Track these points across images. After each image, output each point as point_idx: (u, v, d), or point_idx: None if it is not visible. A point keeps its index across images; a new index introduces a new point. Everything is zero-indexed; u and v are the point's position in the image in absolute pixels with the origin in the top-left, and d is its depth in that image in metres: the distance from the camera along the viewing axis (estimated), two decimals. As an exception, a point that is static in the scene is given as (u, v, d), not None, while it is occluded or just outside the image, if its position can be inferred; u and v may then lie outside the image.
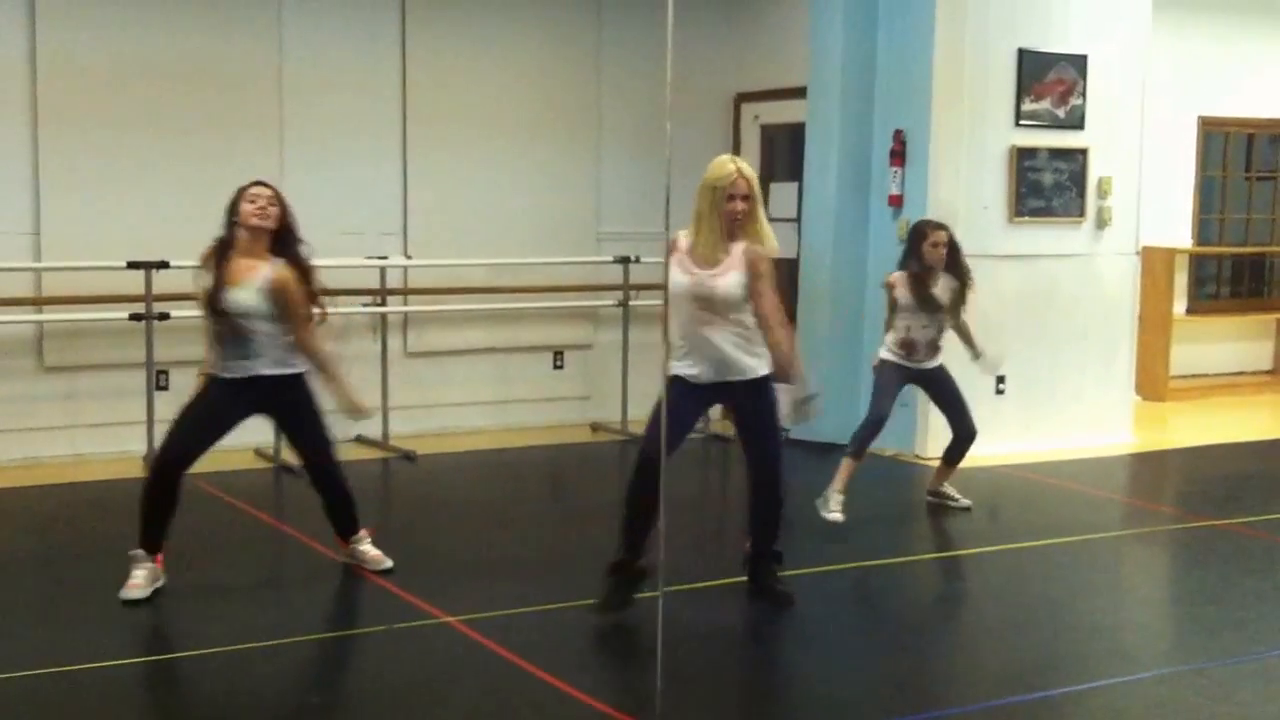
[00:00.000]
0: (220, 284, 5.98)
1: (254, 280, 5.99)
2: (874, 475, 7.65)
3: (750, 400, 5.87)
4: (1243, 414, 11.22)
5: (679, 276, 5.70)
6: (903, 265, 7.55)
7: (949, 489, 7.85)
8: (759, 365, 5.80)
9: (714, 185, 5.68)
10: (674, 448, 5.69)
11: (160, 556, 6.08)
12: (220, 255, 6.04)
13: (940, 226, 7.59)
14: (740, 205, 5.67)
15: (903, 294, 7.46)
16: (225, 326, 6.01)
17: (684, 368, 5.82)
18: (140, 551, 6.03)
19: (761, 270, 5.70)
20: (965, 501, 7.79)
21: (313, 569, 6.40)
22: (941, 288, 7.50)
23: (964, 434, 7.69)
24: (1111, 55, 9.50)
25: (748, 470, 6.00)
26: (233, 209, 6.05)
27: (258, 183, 6.11)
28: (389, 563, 6.41)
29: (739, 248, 5.70)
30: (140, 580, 5.98)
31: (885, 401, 7.55)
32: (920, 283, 7.44)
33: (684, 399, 5.78)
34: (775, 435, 5.99)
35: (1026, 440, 9.33)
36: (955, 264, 7.53)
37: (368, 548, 6.45)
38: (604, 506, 8.23)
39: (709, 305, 5.71)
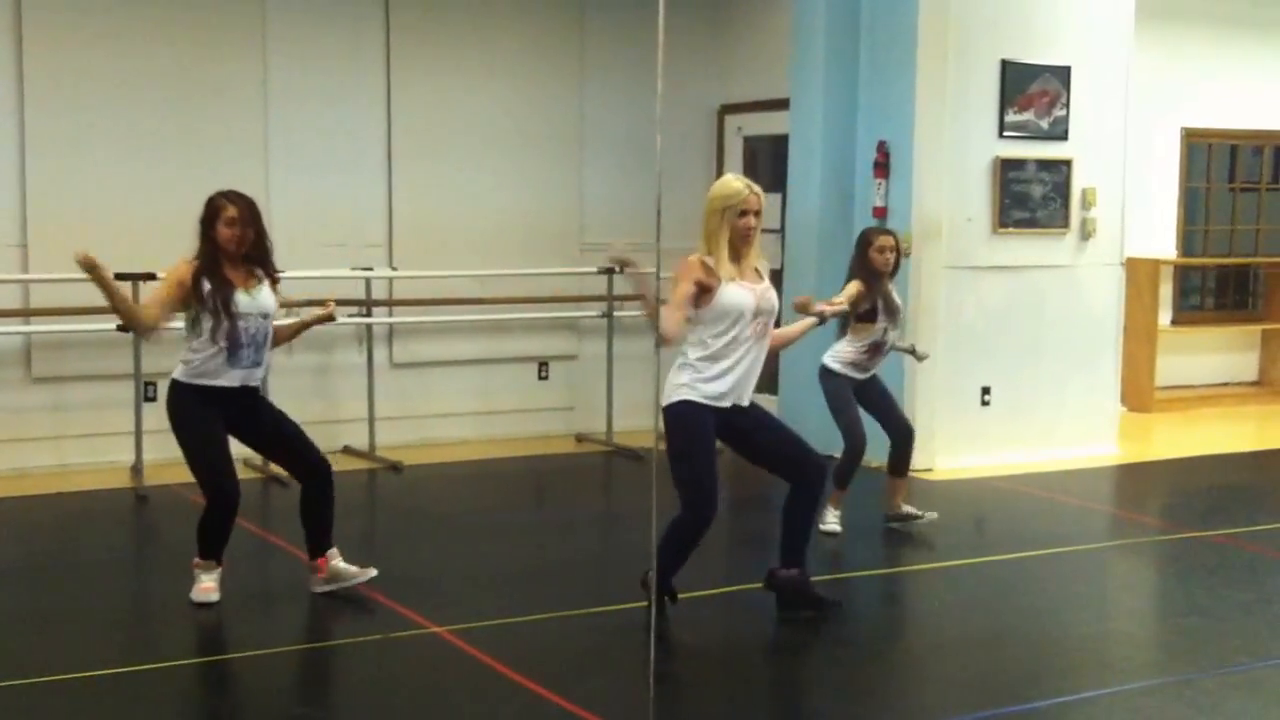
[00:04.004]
0: (230, 290, 5.90)
1: (261, 285, 6.04)
2: (859, 488, 7.64)
3: (763, 416, 5.92)
4: (1228, 425, 11.24)
5: (743, 295, 5.71)
6: (853, 273, 7.32)
7: (907, 507, 7.61)
8: None
9: (727, 203, 5.70)
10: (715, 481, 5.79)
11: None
12: (216, 264, 5.94)
13: (887, 232, 7.47)
14: (753, 221, 5.72)
15: (869, 301, 7.22)
16: (238, 331, 5.91)
17: (720, 391, 5.71)
18: (212, 560, 6.12)
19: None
20: (930, 515, 7.58)
21: (300, 580, 6.37)
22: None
23: (902, 432, 7.52)
24: (1095, 66, 9.54)
25: (793, 480, 5.92)
26: (209, 223, 5.95)
27: (228, 197, 5.97)
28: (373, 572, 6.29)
29: (761, 265, 5.85)
30: (213, 584, 6.11)
31: (855, 423, 7.31)
32: (882, 293, 7.27)
33: (710, 425, 5.74)
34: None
35: (1011, 451, 9.36)
36: (896, 272, 7.39)
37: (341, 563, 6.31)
38: (589, 517, 8.29)
39: (766, 319, 5.80)
